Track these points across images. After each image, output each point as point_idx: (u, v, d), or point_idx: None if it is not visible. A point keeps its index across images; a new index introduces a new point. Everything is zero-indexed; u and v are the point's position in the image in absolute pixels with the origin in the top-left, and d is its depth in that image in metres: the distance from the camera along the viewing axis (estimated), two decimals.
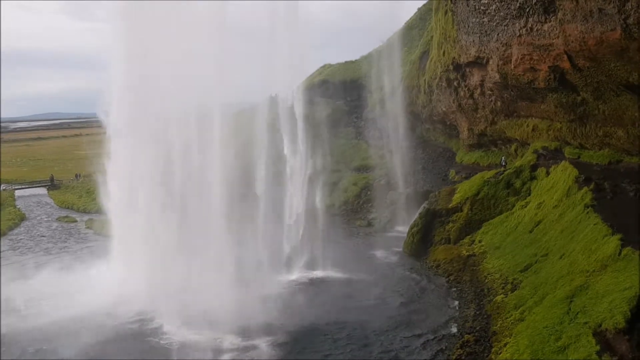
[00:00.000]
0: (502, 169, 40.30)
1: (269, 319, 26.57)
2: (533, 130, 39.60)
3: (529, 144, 40.79)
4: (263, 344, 24.58)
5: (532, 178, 36.08)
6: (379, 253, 39.13)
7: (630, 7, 23.63)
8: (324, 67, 74.38)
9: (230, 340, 24.84)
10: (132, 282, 28.40)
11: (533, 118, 39.47)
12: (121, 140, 27.85)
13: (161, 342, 25.11)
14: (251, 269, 31.17)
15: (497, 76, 37.91)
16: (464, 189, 40.06)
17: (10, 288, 30.18)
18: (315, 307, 29.03)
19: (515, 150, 44.48)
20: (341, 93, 66.63)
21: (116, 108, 27.95)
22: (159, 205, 27.53)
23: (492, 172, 40.12)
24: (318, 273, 34.51)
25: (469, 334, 24.63)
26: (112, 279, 29.56)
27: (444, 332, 25.58)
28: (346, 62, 72.29)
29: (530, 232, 31.25)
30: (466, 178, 45.37)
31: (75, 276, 32.24)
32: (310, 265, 35.41)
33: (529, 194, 35.31)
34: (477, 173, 43.84)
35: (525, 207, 34.18)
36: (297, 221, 37.07)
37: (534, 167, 36.70)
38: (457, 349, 23.48)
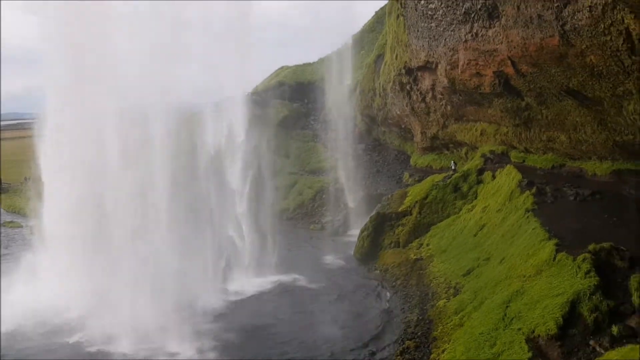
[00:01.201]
0: (452, 172, 40.54)
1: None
2: (481, 134, 39.99)
3: (478, 148, 41.18)
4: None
5: (479, 182, 36.40)
6: (330, 257, 38.92)
7: (567, 13, 23.91)
8: (281, 69, 73.90)
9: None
10: (59, 293, 27.38)
11: (481, 122, 39.86)
12: (52, 142, 26.73)
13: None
14: (191, 277, 30.52)
15: (446, 81, 38.11)
16: (414, 193, 40.18)
17: None
18: (255, 314, 28.71)
19: (466, 154, 44.87)
20: (298, 95, 66.32)
21: (49, 107, 26.83)
22: (89, 211, 26.52)
23: (442, 175, 40.34)
24: (263, 279, 34.00)
25: (410, 339, 24.57)
26: (39, 292, 28.42)
27: (386, 339, 25.44)
28: (303, 64, 71.97)
29: (475, 235, 31.45)
30: (419, 181, 45.56)
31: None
32: (257, 271, 34.85)
33: (476, 198, 35.61)
34: (430, 176, 44.08)
35: (472, 210, 34.41)
36: (243, 225, 36.29)
37: (480, 171, 37.05)
38: (397, 355, 23.40)
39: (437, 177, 40.31)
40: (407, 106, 49.47)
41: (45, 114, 27.35)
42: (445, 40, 36.03)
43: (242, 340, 25.80)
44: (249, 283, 33.86)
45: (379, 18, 69.58)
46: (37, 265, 31.71)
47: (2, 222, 54.34)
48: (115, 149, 26.59)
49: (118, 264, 26.79)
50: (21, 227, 51.62)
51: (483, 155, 38.72)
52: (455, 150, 47.55)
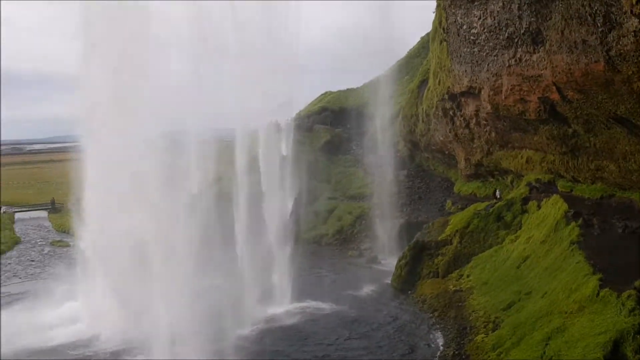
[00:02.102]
0: (495, 200, 39.27)
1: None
2: (527, 162, 38.70)
3: (523, 176, 39.84)
4: None
5: (523, 211, 35.05)
6: (367, 285, 37.96)
7: (611, 38, 22.92)
8: (324, 94, 74.23)
9: None
10: (103, 315, 27.76)
11: (527, 149, 38.60)
12: (91, 166, 27.33)
13: None
14: (229, 302, 30.37)
15: (489, 107, 37.23)
16: (455, 221, 39.07)
17: None
18: (289, 341, 28.17)
19: (512, 182, 43.48)
20: (340, 120, 66.24)
21: (88, 132, 27.49)
22: (126, 235, 26.86)
23: (485, 204, 39.11)
24: (297, 305, 33.43)
25: None
26: (86, 312, 28.91)
27: None
28: (347, 89, 72.12)
29: (517, 267, 30.14)
30: (462, 209, 44.32)
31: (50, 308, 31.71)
32: (292, 297, 34.32)
33: (520, 228, 34.26)
34: (473, 204, 42.89)
35: (515, 241, 33.10)
36: (279, 250, 35.96)
37: (525, 200, 35.70)
38: None
39: (480, 206, 39.10)
40: (450, 132, 48.59)
41: (85, 139, 28.00)
42: (488, 65, 35.28)
43: None
44: (283, 309, 33.37)
45: (424, 43, 69.16)
46: (78, 285, 32.47)
47: (51, 240, 56.10)
48: (153, 175, 26.95)
49: (154, 287, 26.93)
50: (68, 246, 53.08)
51: (528, 184, 37.37)
52: (500, 178, 46.21)
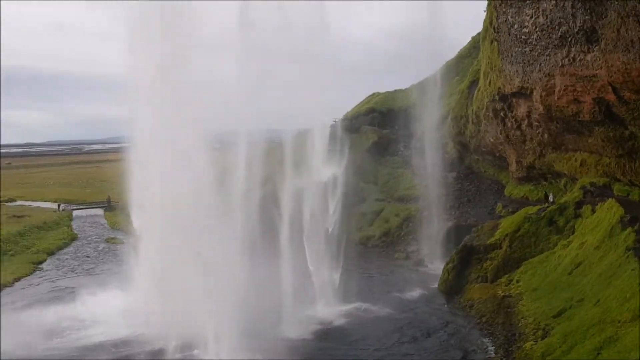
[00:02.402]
0: (547, 204, 38.15)
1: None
2: (581, 164, 37.46)
3: (577, 179, 38.58)
4: None
5: (577, 216, 33.90)
6: (414, 288, 37.63)
7: None
8: (372, 95, 73.91)
9: None
10: (151, 311, 28.45)
11: (581, 152, 37.36)
12: (142, 167, 28.02)
13: None
14: (277, 302, 30.70)
15: (541, 107, 36.24)
16: (505, 225, 38.16)
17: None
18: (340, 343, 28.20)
19: (565, 185, 42.21)
20: (388, 122, 65.83)
21: (138, 134, 28.25)
22: (180, 233, 27.39)
23: (536, 207, 38.03)
24: (344, 308, 33.35)
25: None
26: (136, 307, 29.72)
27: None
28: (395, 90, 71.58)
29: (569, 274, 29.20)
30: (513, 213, 43.25)
31: (102, 302, 32.79)
32: (342, 299, 34.16)
33: (573, 233, 33.15)
34: (524, 208, 41.79)
35: (567, 246, 32.06)
36: (326, 252, 35.94)
37: (579, 204, 34.52)
38: None
39: (531, 209, 38.06)
40: (501, 134, 47.57)
41: (135, 140, 28.75)
42: (540, 65, 34.35)
43: None
44: (332, 310, 33.31)
45: (475, 43, 67.84)
46: (129, 281, 33.51)
47: (106, 238, 58.16)
48: (201, 176, 27.50)
49: (204, 285, 27.36)
50: (122, 243, 54.87)
51: (583, 187, 36.16)
52: (553, 181, 44.94)
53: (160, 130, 27.15)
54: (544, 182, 46.02)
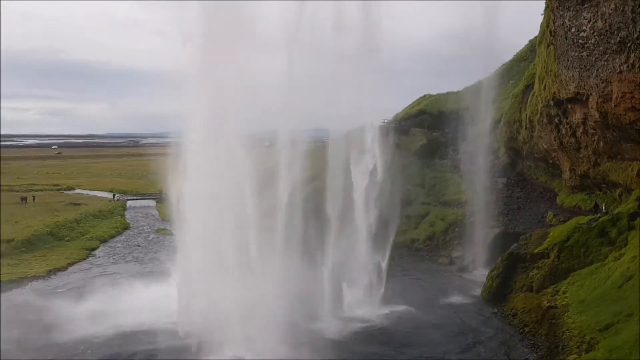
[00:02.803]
0: (599, 215, 36.82)
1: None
2: (638, 175, 35.96)
3: (633, 190, 37.05)
4: None
5: (630, 228, 32.56)
6: (456, 295, 37.09)
7: None
8: (423, 97, 73.06)
9: None
10: (191, 304, 28.96)
11: (638, 162, 35.85)
12: (194, 160, 28.60)
13: None
14: (317, 302, 30.90)
15: (597, 115, 34.99)
16: (555, 234, 37.09)
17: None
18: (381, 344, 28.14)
19: (620, 196, 40.60)
20: (438, 124, 64.88)
21: (189, 129, 28.83)
22: (226, 228, 27.84)
23: (587, 217, 36.77)
24: (383, 311, 33.14)
25: None
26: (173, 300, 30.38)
27: None
28: (446, 92, 70.47)
29: (620, 287, 28.14)
30: (564, 222, 42.02)
31: (141, 291, 33.70)
32: (382, 302, 34.02)
33: (625, 245, 31.88)
34: (576, 217, 40.49)
35: (619, 259, 30.87)
36: (367, 253, 35.86)
37: (633, 216, 33.16)
38: None
39: (583, 219, 36.82)
40: (554, 140, 46.23)
41: (185, 137, 29.35)
42: (597, 70, 33.16)
43: None
44: (371, 312, 33.17)
45: (533, 46, 66.06)
46: (174, 272, 34.37)
47: (156, 228, 59.95)
48: (245, 173, 27.95)
49: (243, 281, 27.73)
50: (171, 234, 56.44)
51: (638, 199, 34.69)
52: (608, 191, 43.29)
53: (207, 125, 27.71)
54: (598, 192, 44.41)
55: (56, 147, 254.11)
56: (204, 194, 27.57)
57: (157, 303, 31.55)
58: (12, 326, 28.08)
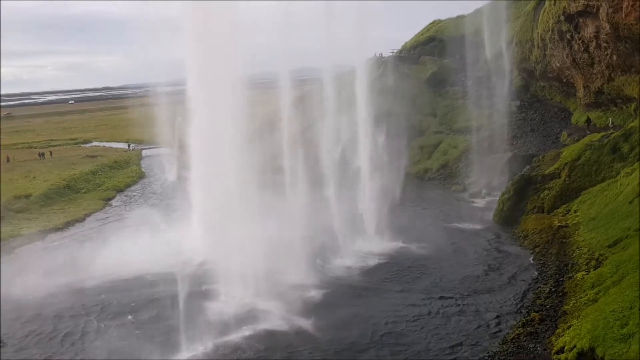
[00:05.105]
0: (610, 131, 35.94)
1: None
2: None
3: None
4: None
5: None
6: (468, 220, 37.03)
7: None
8: (432, 23, 70.49)
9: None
10: (206, 246, 29.30)
11: None
12: (199, 107, 28.28)
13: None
14: (330, 236, 31.07)
15: (608, 26, 33.54)
16: (566, 154, 36.49)
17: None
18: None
19: (635, 110, 39.42)
20: (449, 50, 62.70)
21: (191, 75, 28.42)
22: (234, 171, 27.75)
23: (600, 134, 35.94)
24: (392, 244, 32.96)
25: (536, 312, 22.74)
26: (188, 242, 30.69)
27: (511, 309, 23.78)
28: (457, 17, 67.59)
29: (630, 202, 27.75)
30: (578, 141, 41.20)
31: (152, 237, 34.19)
32: (394, 233, 33.84)
33: (638, 160, 31.20)
34: (589, 135, 39.63)
35: (631, 174, 30.30)
36: (375, 185, 35.52)
37: None
38: (518, 327, 21.78)
39: (595, 137, 36.02)
40: (567, 57, 44.73)
41: (193, 83, 28.82)
42: None
43: None
44: (385, 245, 32.96)
45: None
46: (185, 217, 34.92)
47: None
48: (245, 117, 27.61)
49: (253, 222, 27.83)
50: (187, 181, 56.93)
51: None
52: (623, 106, 42.04)
53: (207, 70, 27.14)
54: (614, 108, 43.17)
55: (73, 102, 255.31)
56: (208, 137, 27.34)
57: (174, 248, 31.97)
58: (35, 273, 28.96)
